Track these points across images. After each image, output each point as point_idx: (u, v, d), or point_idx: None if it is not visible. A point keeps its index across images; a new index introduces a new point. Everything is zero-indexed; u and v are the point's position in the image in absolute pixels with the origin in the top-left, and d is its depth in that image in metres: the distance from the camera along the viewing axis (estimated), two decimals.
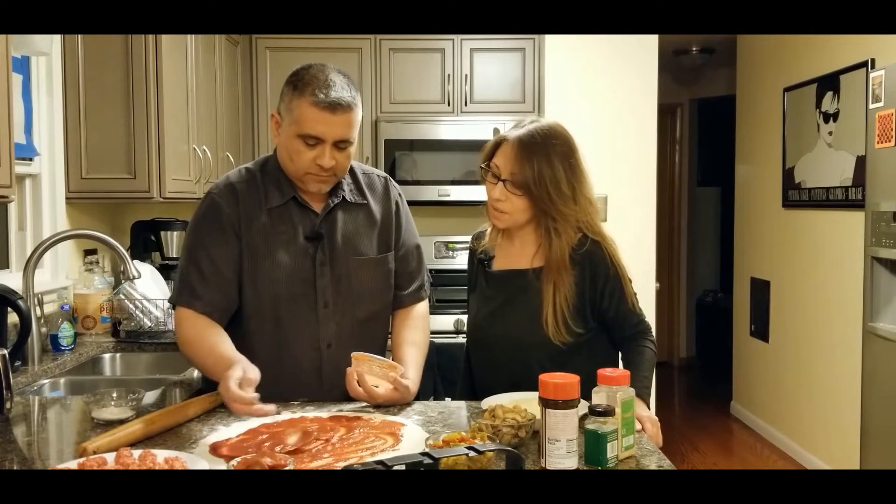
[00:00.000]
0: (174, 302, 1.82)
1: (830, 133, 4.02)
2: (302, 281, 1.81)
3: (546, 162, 1.75)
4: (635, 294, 1.86)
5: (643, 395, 1.72)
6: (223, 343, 1.73)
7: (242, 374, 1.54)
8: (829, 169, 4.03)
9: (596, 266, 1.80)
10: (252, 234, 1.79)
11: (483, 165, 1.84)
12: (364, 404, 1.74)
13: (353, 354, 1.75)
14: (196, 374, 2.18)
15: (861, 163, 3.57)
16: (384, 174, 1.99)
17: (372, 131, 3.89)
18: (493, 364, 1.88)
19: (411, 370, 1.82)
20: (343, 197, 1.86)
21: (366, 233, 1.88)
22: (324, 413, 1.67)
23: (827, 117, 4.05)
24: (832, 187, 4.00)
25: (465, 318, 2.04)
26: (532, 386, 1.39)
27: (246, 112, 3.89)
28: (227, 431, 1.56)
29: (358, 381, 1.73)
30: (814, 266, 4.24)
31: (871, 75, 2.94)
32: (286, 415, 1.67)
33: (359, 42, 3.89)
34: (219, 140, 3.47)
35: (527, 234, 1.86)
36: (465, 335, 2.04)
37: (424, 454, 1.19)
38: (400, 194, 1.98)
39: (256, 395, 1.52)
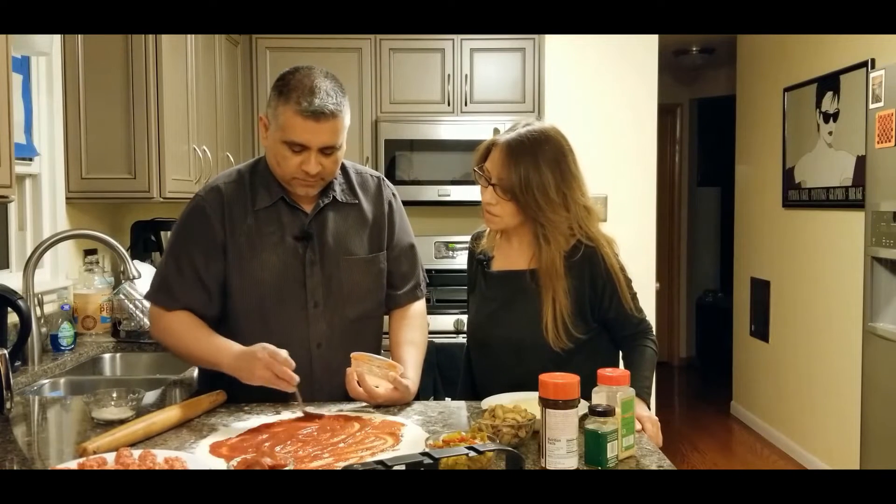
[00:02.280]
0: (150, 300, 1.84)
1: (830, 133, 4.02)
2: (292, 281, 1.80)
3: (533, 167, 1.74)
4: (636, 294, 1.86)
5: (643, 396, 1.71)
6: (213, 333, 1.77)
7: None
8: (829, 169, 4.03)
9: (594, 268, 1.79)
10: (238, 237, 1.80)
11: (476, 168, 1.84)
12: (364, 404, 1.74)
13: (353, 354, 1.75)
14: (196, 374, 2.17)
15: (861, 163, 3.57)
16: (378, 174, 1.99)
17: (372, 131, 3.88)
18: (494, 365, 1.87)
19: (411, 370, 1.82)
20: (334, 197, 1.85)
21: (357, 232, 1.88)
22: (324, 413, 1.67)
23: (827, 117, 4.05)
24: (832, 187, 4.00)
25: (465, 318, 2.03)
26: (532, 386, 1.39)
27: (246, 112, 3.89)
28: (227, 431, 1.57)
29: (358, 381, 1.73)
30: (814, 266, 4.24)
31: (871, 75, 2.93)
32: (286, 415, 1.67)
33: (359, 42, 3.89)
34: (219, 140, 3.47)
35: (524, 235, 1.85)
36: (465, 335, 2.04)
37: (424, 454, 1.19)
38: (394, 194, 1.97)
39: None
